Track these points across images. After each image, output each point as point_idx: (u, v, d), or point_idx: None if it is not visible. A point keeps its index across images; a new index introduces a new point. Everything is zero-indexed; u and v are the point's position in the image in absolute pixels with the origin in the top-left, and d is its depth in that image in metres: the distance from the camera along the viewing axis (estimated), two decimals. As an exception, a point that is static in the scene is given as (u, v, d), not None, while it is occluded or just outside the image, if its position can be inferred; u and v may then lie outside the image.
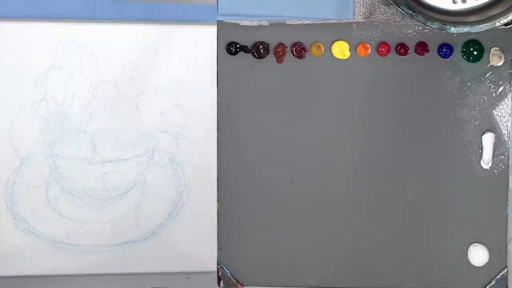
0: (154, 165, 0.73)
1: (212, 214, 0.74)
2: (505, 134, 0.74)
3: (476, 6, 0.70)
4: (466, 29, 0.67)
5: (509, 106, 0.74)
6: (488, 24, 0.67)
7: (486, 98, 0.74)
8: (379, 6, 0.73)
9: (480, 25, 0.67)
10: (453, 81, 0.74)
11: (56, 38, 0.71)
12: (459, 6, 0.70)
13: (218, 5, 0.72)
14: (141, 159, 0.73)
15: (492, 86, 0.74)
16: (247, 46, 0.74)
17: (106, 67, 0.72)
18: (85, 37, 0.71)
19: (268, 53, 0.74)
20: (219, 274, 0.75)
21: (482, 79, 0.74)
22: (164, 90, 0.73)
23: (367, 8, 0.73)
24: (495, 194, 0.75)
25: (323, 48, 0.74)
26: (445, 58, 0.74)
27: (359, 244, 0.75)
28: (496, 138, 0.74)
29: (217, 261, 0.75)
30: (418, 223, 0.75)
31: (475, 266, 0.75)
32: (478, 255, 0.75)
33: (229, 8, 0.72)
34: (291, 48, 0.74)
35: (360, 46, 0.74)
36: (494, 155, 0.74)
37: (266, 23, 0.74)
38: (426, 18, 0.67)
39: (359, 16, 0.73)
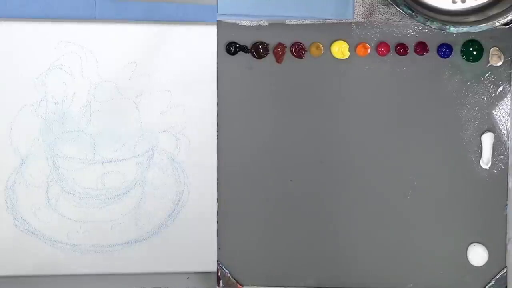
0: (154, 165, 0.73)
1: (212, 214, 0.74)
2: (505, 134, 0.74)
3: (476, 6, 0.70)
4: (465, 29, 0.67)
5: (508, 106, 0.74)
6: (488, 24, 0.67)
7: (485, 98, 0.74)
8: (378, 6, 0.73)
9: (480, 25, 0.67)
10: (452, 81, 0.74)
11: (56, 38, 0.71)
12: (459, 6, 0.70)
13: (218, 5, 0.72)
14: (141, 159, 0.73)
15: (492, 86, 0.74)
16: (246, 46, 0.74)
17: (106, 67, 0.72)
18: (85, 37, 0.71)
19: (268, 53, 0.74)
20: (219, 274, 0.75)
21: (482, 79, 0.74)
22: (164, 90, 0.73)
23: (367, 8, 0.73)
24: (494, 194, 0.75)
25: (322, 48, 0.74)
26: (445, 58, 0.74)
27: (358, 244, 0.75)
28: (495, 138, 0.74)
29: (217, 261, 0.75)
30: (417, 223, 0.75)
31: (475, 266, 0.75)
32: (477, 255, 0.75)
33: (229, 8, 0.72)
34: (291, 48, 0.74)
35: (360, 46, 0.74)
36: (493, 155, 0.74)
37: (265, 23, 0.74)
38: (425, 18, 0.67)
39: (358, 16, 0.73)
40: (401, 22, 0.74)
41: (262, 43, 0.74)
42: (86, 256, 0.74)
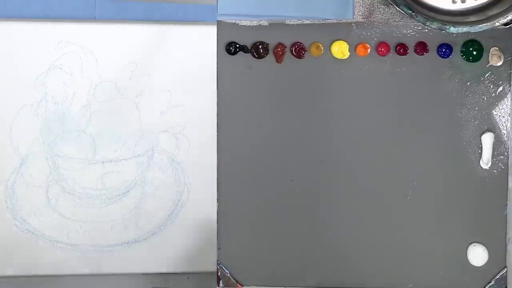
0: (154, 165, 0.73)
1: (212, 214, 0.74)
2: (505, 134, 0.74)
3: (476, 6, 0.70)
4: (465, 29, 0.67)
5: (508, 106, 0.74)
6: (488, 24, 0.67)
7: (485, 98, 0.74)
8: (378, 6, 0.73)
9: (480, 25, 0.67)
10: (452, 81, 0.74)
11: (56, 38, 0.71)
12: (459, 6, 0.70)
13: (218, 5, 0.72)
14: (141, 159, 0.73)
15: (492, 86, 0.74)
16: (246, 46, 0.74)
17: (106, 67, 0.72)
18: (85, 37, 0.71)
19: (268, 53, 0.74)
20: (219, 274, 0.75)
21: (482, 79, 0.74)
22: (164, 90, 0.73)
23: (367, 8, 0.73)
24: (494, 194, 0.75)
25: (322, 48, 0.74)
26: (445, 58, 0.74)
27: (358, 244, 0.75)
28: (495, 138, 0.74)
29: (217, 261, 0.75)
30: (417, 223, 0.75)
31: (475, 266, 0.75)
32: (477, 255, 0.75)
33: (229, 8, 0.72)
34: (291, 48, 0.74)
35: (360, 46, 0.74)
36: (493, 155, 0.74)
37: (265, 23, 0.74)
38: (425, 18, 0.67)
39: (358, 16, 0.73)
40: (401, 22, 0.74)
41: (262, 43, 0.74)
42: (86, 256, 0.74)
